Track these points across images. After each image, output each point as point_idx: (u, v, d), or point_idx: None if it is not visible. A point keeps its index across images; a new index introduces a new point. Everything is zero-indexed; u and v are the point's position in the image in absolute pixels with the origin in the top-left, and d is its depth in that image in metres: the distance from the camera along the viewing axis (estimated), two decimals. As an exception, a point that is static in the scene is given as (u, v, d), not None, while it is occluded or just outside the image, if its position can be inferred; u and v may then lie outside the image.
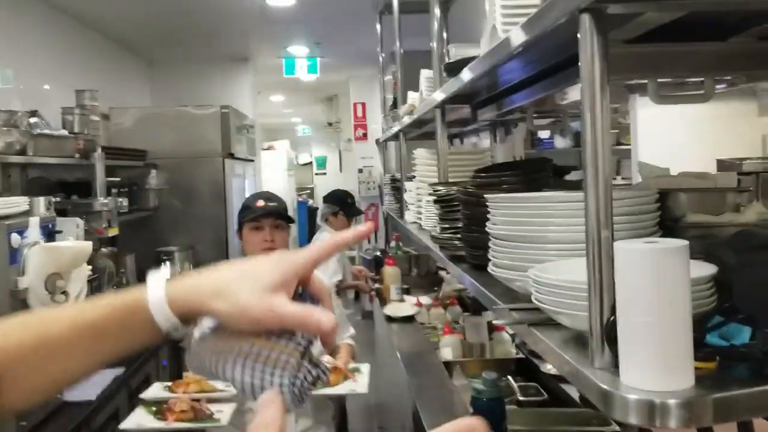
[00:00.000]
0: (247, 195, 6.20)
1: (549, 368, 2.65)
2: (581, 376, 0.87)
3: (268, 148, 10.37)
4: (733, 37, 1.04)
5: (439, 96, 1.87)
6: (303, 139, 16.59)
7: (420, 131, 3.45)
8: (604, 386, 0.81)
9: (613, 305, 0.85)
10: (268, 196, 2.60)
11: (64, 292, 2.42)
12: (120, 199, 3.67)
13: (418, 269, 4.87)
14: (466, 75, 1.48)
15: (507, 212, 1.27)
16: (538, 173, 1.70)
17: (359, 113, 8.42)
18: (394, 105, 3.76)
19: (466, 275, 1.59)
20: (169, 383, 2.33)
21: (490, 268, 1.33)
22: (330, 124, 11.40)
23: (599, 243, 0.85)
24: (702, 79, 1.25)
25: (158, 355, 3.77)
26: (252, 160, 6.47)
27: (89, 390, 2.81)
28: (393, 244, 4.90)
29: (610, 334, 0.84)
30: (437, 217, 1.98)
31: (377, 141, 7.75)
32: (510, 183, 1.63)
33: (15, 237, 2.32)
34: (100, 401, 2.78)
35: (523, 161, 1.69)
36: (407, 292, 4.30)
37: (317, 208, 6.89)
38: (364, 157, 8.30)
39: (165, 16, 5.53)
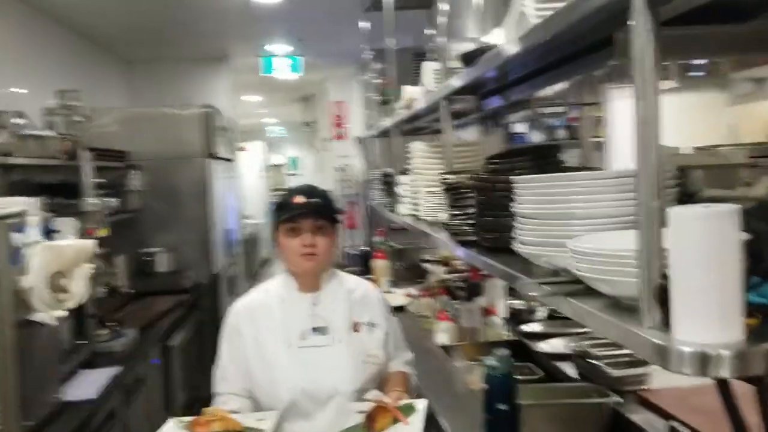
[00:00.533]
0: (228, 196, 6.21)
1: (542, 348, 2.74)
2: (633, 336, 0.93)
3: (241, 149, 10.33)
4: (753, 20, 1.11)
5: (455, 83, 1.93)
6: (276, 139, 16.55)
7: (411, 126, 3.51)
8: (660, 342, 0.86)
9: (661, 269, 0.91)
10: (310, 190, 2.11)
11: (67, 291, 2.42)
12: (109, 200, 3.65)
13: (403, 262, 4.94)
14: (491, 62, 1.53)
15: (534, 192, 1.33)
16: (547, 158, 1.76)
17: (337, 112, 8.46)
18: (385, 101, 3.80)
19: (483, 257, 1.65)
20: (188, 418, 1.87)
21: (516, 246, 1.39)
22: (306, 124, 11.39)
23: (649, 212, 0.91)
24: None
25: (148, 354, 3.76)
26: (232, 161, 6.46)
27: (89, 389, 2.81)
28: (378, 239, 4.95)
29: (660, 296, 0.90)
30: (447, 206, 2.04)
31: (358, 139, 7.79)
32: (522, 168, 1.69)
33: (17, 236, 2.31)
34: (99, 401, 2.78)
35: (532, 147, 1.75)
36: (394, 284, 4.38)
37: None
38: (342, 156, 8.34)
39: (143, 14, 5.49)
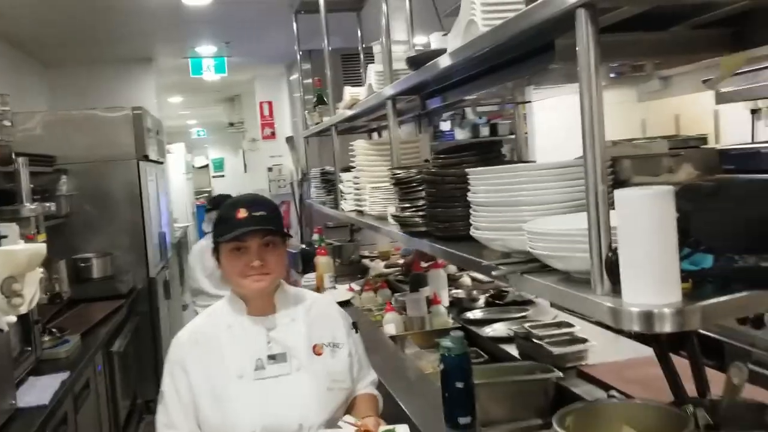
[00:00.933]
0: (160, 199, 6.14)
1: (488, 333, 2.91)
2: (588, 303, 1.07)
3: (168, 151, 10.17)
4: (672, 27, 1.28)
5: (403, 85, 2.05)
6: (198, 141, 16.30)
7: (348, 125, 3.61)
8: (613, 305, 1.01)
9: (609, 244, 1.06)
10: (253, 201, 1.86)
11: (20, 295, 2.40)
12: (47, 204, 3.60)
13: (341, 259, 5.04)
14: (439, 66, 1.66)
15: (487, 182, 1.46)
16: (490, 153, 1.91)
17: (266, 112, 8.47)
18: (320, 101, 3.90)
19: (440, 245, 1.77)
20: None
21: (472, 232, 1.52)
22: (232, 125, 11.32)
23: (597, 194, 1.06)
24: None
25: (94, 360, 3.73)
26: (162, 163, 6.40)
27: (41, 395, 2.79)
28: (316, 236, 5.03)
29: (609, 267, 1.05)
30: (396, 199, 2.16)
31: (288, 139, 7.83)
32: (469, 162, 1.83)
33: (-33, 243, 2.29)
34: (51, 407, 2.77)
35: (476, 143, 1.89)
36: (336, 280, 4.46)
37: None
38: (273, 156, 8.35)
39: (65, 15, 5.37)
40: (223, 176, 16.22)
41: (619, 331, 2.98)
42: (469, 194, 1.53)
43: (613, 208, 1.03)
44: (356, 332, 2.03)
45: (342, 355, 1.90)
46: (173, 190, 10.31)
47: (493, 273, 1.33)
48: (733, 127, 4.38)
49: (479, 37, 1.36)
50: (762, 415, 1.27)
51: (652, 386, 1.91)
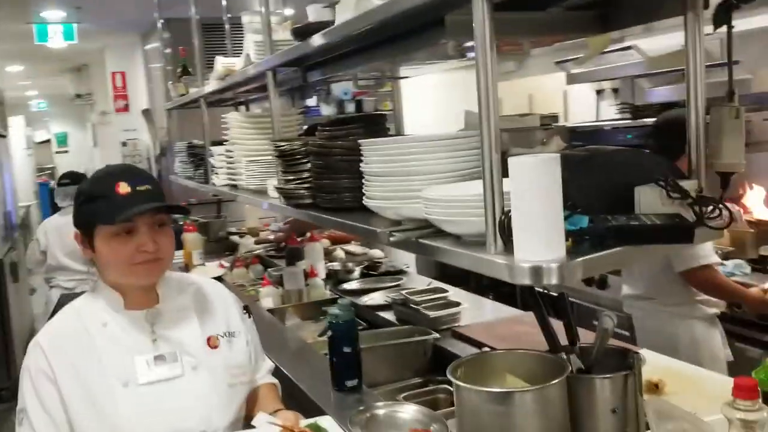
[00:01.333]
0: (3, 176, 5.67)
1: (366, 301, 3.01)
2: (484, 261, 1.17)
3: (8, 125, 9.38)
4: (550, 8, 1.40)
5: (287, 56, 2.05)
6: (39, 114, 15.12)
7: (217, 98, 3.54)
8: (506, 262, 1.11)
9: (502, 207, 1.15)
10: (133, 173, 1.55)
11: None
12: None
13: (209, 235, 4.94)
14: (327, 37, 1.69)
15: (380, 153, 1.52)
16: (376, 126, 1.97)
17: (119, 83, 8.00)
18: (185, 72, 3.78)
19: (331, 216, 1.81)
20: None
21: (366, 201, 1.58)
22: (79, 96, 10.59)
23: (492, 162, 1.15)
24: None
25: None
26: (5, 137, 5.92)
27: None
28: (181, 213, 4.89)
29: (502, 229, 1.15)
30: (280, 171, 2.17)
31: (144, 111, 7.46)
32: (356, 135, 1.88)
33: None
34: None
35: (362, 116, 1.94)
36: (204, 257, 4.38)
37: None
38: (126, 130, 7.92)
39: None
40: (67, 152, 15.20)
41: (484, 295, 3.20)
42: (361, 165, 1.58)
43: (506, 176, 1.13)
44: (249, 317, 1.77)
45: (240, 345, 1.66)
46: (14, 166, 9.55)
47: (391, 239, 1.40)
48: (579, 107, 4.75)
49: (372, 9, 1.41)
50: (626, 358, 1.44)
51: (520, 341, 2.09)
